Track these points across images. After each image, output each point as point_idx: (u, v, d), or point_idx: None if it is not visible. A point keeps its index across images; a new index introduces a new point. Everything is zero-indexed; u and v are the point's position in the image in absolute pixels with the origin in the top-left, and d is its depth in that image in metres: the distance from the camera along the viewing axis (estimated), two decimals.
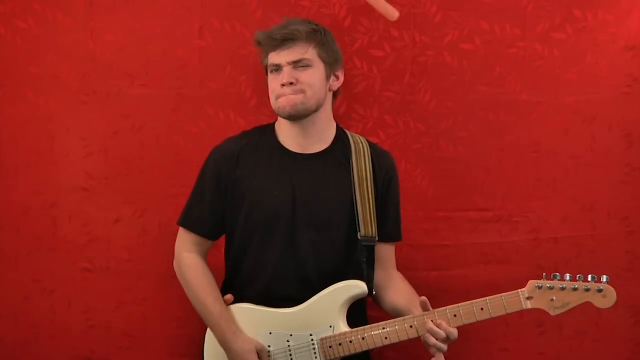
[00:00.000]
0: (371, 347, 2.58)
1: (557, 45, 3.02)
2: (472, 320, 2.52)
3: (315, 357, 2.59)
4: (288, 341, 2.61)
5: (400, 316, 2.60)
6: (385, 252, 2.75)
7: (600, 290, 2.47)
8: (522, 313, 2.61)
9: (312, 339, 2.60)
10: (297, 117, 2.65)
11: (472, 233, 3.09)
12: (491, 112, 3.05)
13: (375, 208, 2.69)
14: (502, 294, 2.52)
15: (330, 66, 2.68)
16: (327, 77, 2.68)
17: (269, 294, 2.65)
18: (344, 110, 3.00)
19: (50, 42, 3.01)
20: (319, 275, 2.64)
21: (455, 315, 2.52)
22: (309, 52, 2.63)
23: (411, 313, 2.58)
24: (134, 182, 3.05)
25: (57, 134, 3.05)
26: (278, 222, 2.65)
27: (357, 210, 2.67)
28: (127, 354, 3.08)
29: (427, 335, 2.51)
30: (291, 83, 2.60)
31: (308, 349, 2.60)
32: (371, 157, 2.73)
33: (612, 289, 2.47)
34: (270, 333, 2.62)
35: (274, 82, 2.65)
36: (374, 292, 2.69)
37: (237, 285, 2.71)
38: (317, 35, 2.65)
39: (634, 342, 3.13)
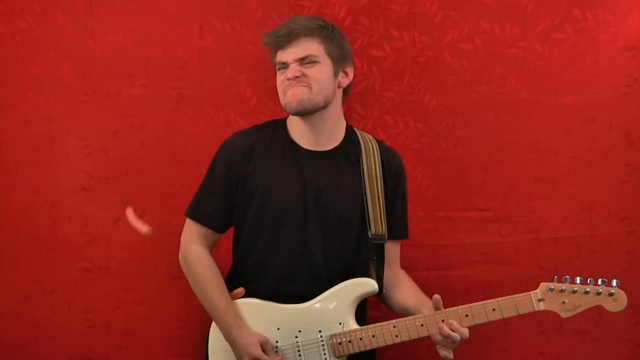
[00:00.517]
0: (381, 344, 2.58)
1: (557, 45, 3.02)
2: (484, 320, 2.53)
3: (324, 354, 2.59)
4: (297, 337, 2.61)
5: (408, 315, 2.61)
6: (392, 250, 2.75)
7: (611, 294, 2.50)
8: None
9: (321, 336, 2.60)
10: (304, 113, 2.63)
11: (472, 233, 3.09)
12: (491, 112, 3.05)
13: (385, 206, 2.69)
14: (515, 295, 2.53)
15: (339, 62, 2.67)
16: (335, 74, 2.67)
17: (278, 290, 2.64)
18: (344, 110, 2.98)
19: (50, 42, 3.02)
20: (327, 272, 2.64)
21: (467, 316, 2.53)
22: (315, 48, 2.62)
23: (420, 312, 2.59)
24: (134, 182, 3.05)
25: (57, 134, 3.05)
26: (288, 218, 2.65)
27: (367, 208, 2.67)
28: (127, 354, 3.08)
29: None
30: (297, 77, 2.60)
31: (317, 345, 2.60)
32: (380, 155, 2.73)
33: (623, 293, 2.50)
34: (279, 329, 2.62)
35: (281, 77, 2.65)
36: (383, 291, 2.69)
37: (245, 279, 2.70)
38: (323, 32, 2.64)
39: (634, 342, 3.13)
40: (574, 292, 2.50)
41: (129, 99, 3.03)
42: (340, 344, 2.59)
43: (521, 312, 2.53)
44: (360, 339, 2.58)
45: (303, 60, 2.61)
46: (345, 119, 2.78)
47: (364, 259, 2.71)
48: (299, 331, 2.61)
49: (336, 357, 2.59)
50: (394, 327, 2.57)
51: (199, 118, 3.04)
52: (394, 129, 3.05)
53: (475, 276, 3.08)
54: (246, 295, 2.67)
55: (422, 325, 2.55)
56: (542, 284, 2.54)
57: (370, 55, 3.00)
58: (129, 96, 3.03)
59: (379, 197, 2.69)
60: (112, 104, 3.03)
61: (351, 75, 2.72)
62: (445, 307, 2.56)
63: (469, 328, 2.54)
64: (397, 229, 2.76)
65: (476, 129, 3.06)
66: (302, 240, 2.64)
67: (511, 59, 3.02)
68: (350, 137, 2.75)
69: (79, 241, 3.06)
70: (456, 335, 2.50)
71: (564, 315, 2.52)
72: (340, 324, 2.60)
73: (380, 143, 2.78)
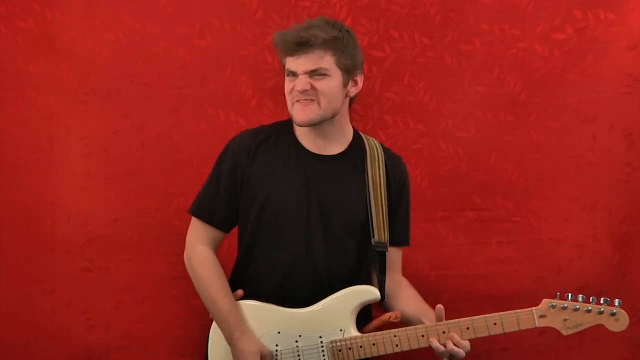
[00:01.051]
0: (381, 353, 2.58)
1: (557, 46, 3.02)
2: (485, 334, 2.54)
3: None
4: (297, 342, 2.61)
5: (409, 324, 2.61)
6: (393, 257, 2.73)
7: (613, 314, 2.50)
8: None
9: (321, 341, 2.60)
10: (312, 125, 2.62)
11: (472, 233, 3.09)
12: (491, 113, 3.05)
13: (388, 214, 2.68)
14: (516, 310, 2.53)
15: (349, 73, 2.62)
16: (345, 85, 2.62)
17: (279, 293, 2.63)
18: None
19: (50, 42, 3.01)
20: (329, 277, 2.63)
21: (468, 328, 2.53)
22: (326, 61, 2.56)
23: (421, 322, 2.59)
24: (134, 182, 3.05)
25: (57, 134, 3.05)
26: (291, 221, 2.64)
27: (371, 216, 2.66)
28: (127, 354, 3.09)
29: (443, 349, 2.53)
30: (305, 90, 2.56)
31: (317, 351, 2.60)
32: (385, 163, 2.71)
33: (624, 313, 2.51)
34: (279, 332, 2.61)
35: (289, 86, 2.61)
36: (385, 299, 2.69)
37: (246, 280, 2.70)
38: (337, 43, 2.57)
39: (634, 342, 3.14)
40: (576, 309, 2.51)
41: (129, 99, 3.03)
42: (340, 350, 2.58)
43: (522, 327, 2.53)
44: (361, 346, 2.58)
45: (313, 73, 2.56)
46: (351, 123, 2.77)
47: (366, 266, 2.71)
48: (300, 336, 2.60)
49: None
50: (395, 336, 2.56)
51: (199, 118, 3.04)
52: (393, 129, 3.05)
53: (475, 276, 3.09)
54: (247, 297, 2.67)
55: (422, 335, 2.55)
56: (544, 300, 2.54)
57: (370, 55, 3.00)
58: (129, 96, 3.03)
59: (382, 205, 2.68)
60: (112, 104, 3.03)
61: (360, 84, 2.68)
62: (446, 309, 2.56)
63: None
64: (399, 236, 2.75)
65: (476, 129, 3.06)
66: (304, 244, 2.63)
67: (511, 59, 3.01)
68: (357, 142, 2.74)
69: (79, 241, 3.05)
70: (461, 352, 2.50)
71: (565, 332, 2.53)
72: (341, 330, 2.59)
73: (385, 149, 2.76)
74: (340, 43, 2.58)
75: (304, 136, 2.69)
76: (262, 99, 3.01)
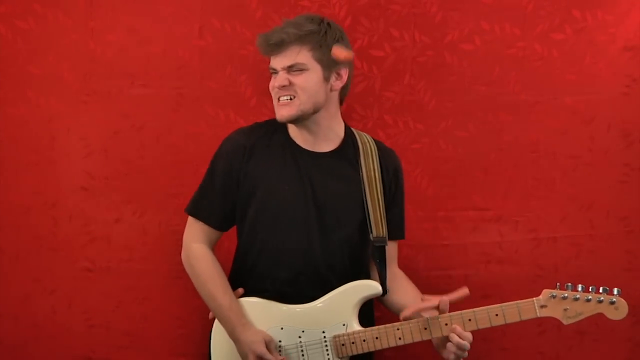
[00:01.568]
0: (384, 347, 2.58)
1: (556, 46, 3.03)
2: (487, 325, 2.54)
3: (327, 355, 2.59)
4: (300, 337, 2.61)
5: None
6: (390, 250, 2.74)
7: (612, 303, 2.52)
8: None
9: (324, 336, 2.60)
10: (294, 122, 2.65)
11: (472, 233, 3.10)
12: (490, 112, 3.06)
13: (385, 208, 2.70)
14: (518, 301, 2.54)
15: (330, 67, 2.64)
16: (327, 78, 2.64)
17: (280, 290, 2.64)
18: (344, 110, 2.97)
19: (51, 42, 3.01)
20: (329, 273, 2.64)
21: (470, 320, 2.54)
22: (302, 56, 2.60)
23: (420, 315, 2.59)
24: (134, 182, 3.05)
25: (58, 134, 3.04)
26: (288, 218, 2.64)
27: (368, 211, 2.67)
28: (127, 354, 3.08)
29: (449, 343, 2.53)
30: (284, 86, 2.60)
31: (320, 346, 2.60)
32: (379, 157, 2.73)
33: (624, 301, 2.52)
34: (282, 328, 2.62)
35: (272, 84, 2.65)
36: (387, 293, 2.70)
37: (246, 278, 2.70)
38: (313, 37, 2.61)
39: (634, 342, 3.14)
40: (576, 299, 2.53)
41: (129, 99, 3.03)
42: (343, 345, 2.59)
43: (524, 317, 2.54)
44: (364, 340, 2.58)
45: (291, 68, 2.60)
46: (344, 120, 2.78)
47: (366, 261, 2.72)
48: (303, 331, 2.61)
49: (339, 357, 2.59)
50: (398, 329, 2.57)
51: (199, 118, 3.04)
52: (393, 129, 3.05)
53: (475, 276, 3.09)
54: (248, 295, 2.67)
55: (425, 328, 2.56)
56: (544, 290, 2.55)
57: (370, 55, 3.01)
58: (129, 96, 3.03)
59: (378, 199, 2.69)
60: (112, 104, 3.03)
61: (345, 77, 2.69)
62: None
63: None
64: (395, 229, 2.76)
65: (476, 129, 3.06)
66: (303, 241, 2.64)
67: (511, 59, 3.02)
68: (349, 138, 2.75)
69: (80, 241, 3.05)
70: (466, 344, 2.51)
71: (565, 322, 2.54)
72: (343, 325, 2.60)
73: (378, 143, 2.78)
74: (317, 37, 2.61)
75: (295, 133, 2.71)
76: (261, 98, 3.01)
